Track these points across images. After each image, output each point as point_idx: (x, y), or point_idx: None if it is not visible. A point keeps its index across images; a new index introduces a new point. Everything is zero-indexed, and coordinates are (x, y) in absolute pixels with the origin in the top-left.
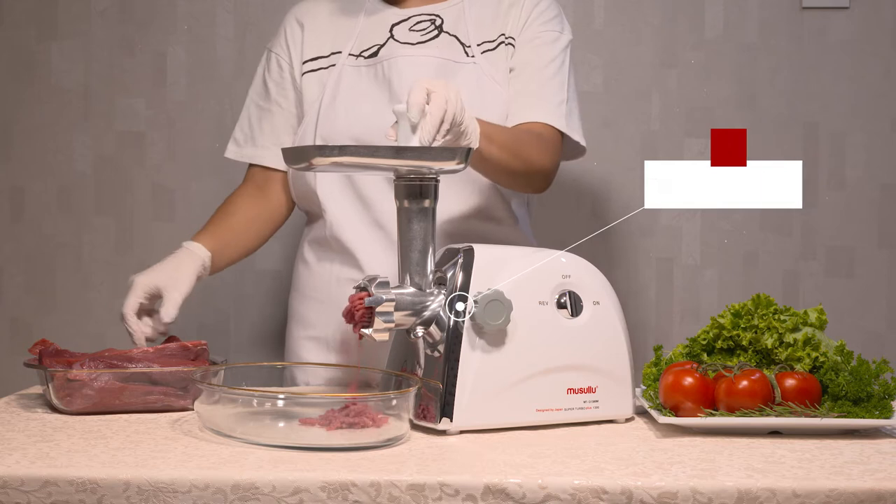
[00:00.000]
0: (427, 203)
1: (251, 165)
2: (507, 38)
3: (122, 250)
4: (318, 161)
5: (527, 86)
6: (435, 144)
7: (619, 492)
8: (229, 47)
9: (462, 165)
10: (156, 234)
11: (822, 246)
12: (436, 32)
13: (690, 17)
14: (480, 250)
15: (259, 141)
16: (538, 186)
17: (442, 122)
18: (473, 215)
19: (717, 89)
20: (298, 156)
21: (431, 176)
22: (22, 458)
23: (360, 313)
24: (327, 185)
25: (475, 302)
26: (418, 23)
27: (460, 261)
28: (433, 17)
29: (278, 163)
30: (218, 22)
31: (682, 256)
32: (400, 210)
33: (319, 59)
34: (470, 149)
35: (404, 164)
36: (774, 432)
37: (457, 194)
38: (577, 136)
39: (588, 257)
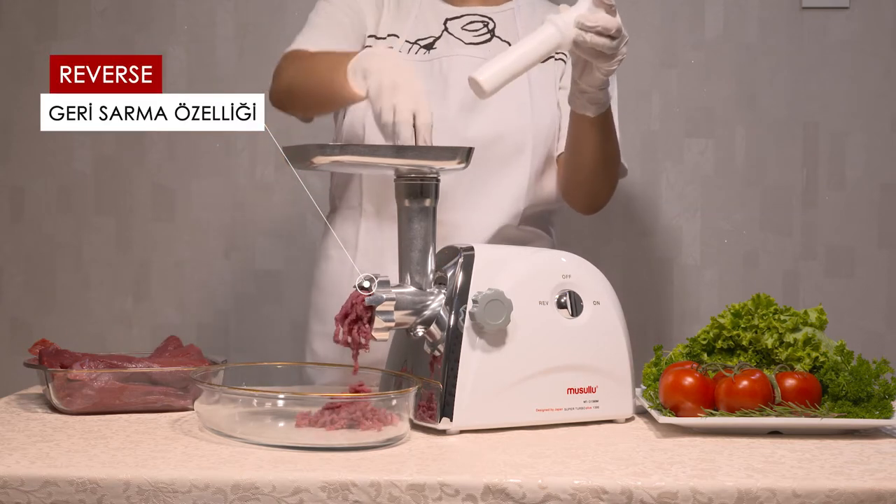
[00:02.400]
0: (427, 202)
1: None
2: (557, 53)
3: (122, 250)
4: (319, 160)
5: None
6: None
7: (619, 492)
8: (229, 47)
9: (463, 165)
10: (156, 234)
11: (822, 246)
12: (488, 36)
13: (690, 17)
14: (480, 250)
15: (322, 36)
16: (599, 200)
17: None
18: (501, 234)
19: (717, 89)
20: (299, 154)
21: (432, 175)
22: (22, 458)
23: (360, 311)
24: (372, 181)
25: (475, 302)
26: (471, 22)
27: (460, 261)
28: (486, 19)
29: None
30: (218, 22)
31: (682, 256)
32: (400, 209)
33: (378, 40)
34: (471, 148)
35: (405, 163)
36: (774, 432)
37: (492, 207)
38: (624, 161)
39: (588, 257)
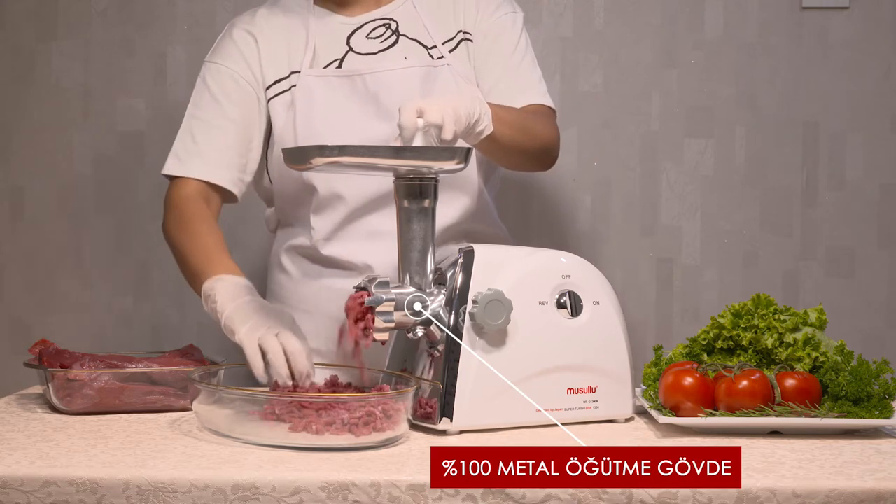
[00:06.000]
0: (427, 203)
1: (191, 179)
2: (464, 34)
3: (122, 250)
4: (317, 161)
5: (503, 77)
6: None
7: (619, 492)
8: None
9: (462, 165)
10: (156, 234)
11: (822, 246)
12: (394, 38)
13: (690, 17)
14: (480, 250)
15: (209, 157)
16: (546, 162)
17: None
18: (465, 218)
19: (717, 89)
20: (298, 156)
21: (431, 176)
22: (22, 458)
23: (359, 314)
24: (320, 198)
25: (475, 302)
26: (374, 29)
27: (460, 261)
28: (387, 21)
29: (229, 182)
30: (218, 22)
31: (682, 256)
32: (400, 210)
33: (282, 82)
34: (470, 148)
35: (404, 163)
36: (774, 432)
37: (447, 196)
38: (554, 106)
39: (588, 257)
